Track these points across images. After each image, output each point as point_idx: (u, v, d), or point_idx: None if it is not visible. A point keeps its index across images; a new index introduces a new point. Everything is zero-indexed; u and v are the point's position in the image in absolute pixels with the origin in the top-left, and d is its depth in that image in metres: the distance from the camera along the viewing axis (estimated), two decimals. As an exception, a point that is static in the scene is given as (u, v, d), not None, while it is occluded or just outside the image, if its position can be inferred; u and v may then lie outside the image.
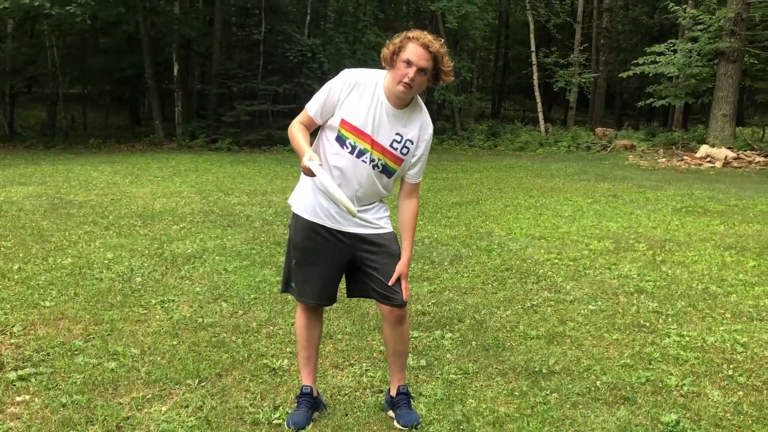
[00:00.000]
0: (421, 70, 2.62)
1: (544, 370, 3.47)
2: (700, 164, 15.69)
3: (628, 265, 5.72)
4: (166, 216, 7.69)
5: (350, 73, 2.74)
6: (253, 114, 20.30)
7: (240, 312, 4.35)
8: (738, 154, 16.22)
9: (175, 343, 3.77)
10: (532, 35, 23.22)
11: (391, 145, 2.72)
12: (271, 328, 4.06)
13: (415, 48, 2.61)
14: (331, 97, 2.73)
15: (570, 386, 3.28)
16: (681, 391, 3.27)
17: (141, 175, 11.88)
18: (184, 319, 4.17)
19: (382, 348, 3.75)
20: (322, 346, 3.76)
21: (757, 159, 15.95)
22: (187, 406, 3.01)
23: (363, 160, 2.71)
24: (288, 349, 3.71)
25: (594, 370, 3.50)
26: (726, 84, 17.57)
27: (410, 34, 2.66)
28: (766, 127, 20.40)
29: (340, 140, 2.72)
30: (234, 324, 4.10)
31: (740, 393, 3.26)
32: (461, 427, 2.88)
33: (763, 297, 4.84)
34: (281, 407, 3.01)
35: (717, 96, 17.84)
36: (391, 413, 2.95)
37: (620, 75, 20.67)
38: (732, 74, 17.53)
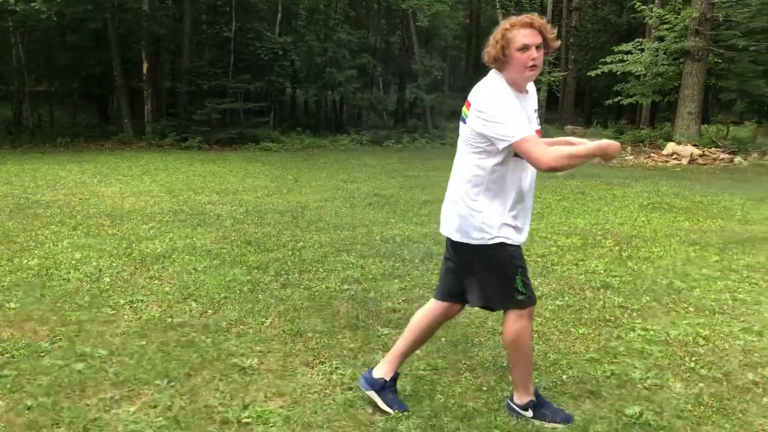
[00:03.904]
0: (538, 47, 2.69)
1: (510, 366, 3.51)
2: (667, 161, 15.95)
3: (595, 261, 5.81)
4: (135, 215, 7.61)
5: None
6: (224, 112, 20.13)
7: (210, 311, 4.33)
8: (703, 152, 16.52)
9: (143, 343, 3.75)
10: (502, 34, 23.34)
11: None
12: (241, 327, 4.06)
13: (523, 31, 2.67)
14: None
15: (537, 380, 3.32)
16: (645, 384, 3.34)
17: (110, 174, 11.73)
18: (153, 319, 4.15)
19: (352, 346, 3.78)
20: (292, 344, 3.78)
21: (722, 156, 16.27)
22: (155, 407, 3.00)
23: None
24: (258, 348, 3.72)
25: (560, 365, 3.56)
26: (691, 82, 17.87)
27: (506, 25, 2.72)
28: (730, 125, 20.80)
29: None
30: (203, 323, 4.09)
31: (701, 385, 3.34)
32: (431, 422, 2.91)
33: (725, 291, 4.95)
34: (251, 406, 3.02)
35: (683, 94, 18.13)
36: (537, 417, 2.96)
37: (589, 73, 20.90)
38: (697, 73, 17.82)
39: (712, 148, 17.04)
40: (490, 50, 2.73)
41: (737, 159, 16.09)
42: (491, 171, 2.76)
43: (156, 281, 5.00)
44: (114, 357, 3.54)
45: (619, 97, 20.17)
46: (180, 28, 21.38)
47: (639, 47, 19.03)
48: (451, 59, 31.51)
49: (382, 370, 3.06)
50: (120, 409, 2.97)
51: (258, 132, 19.83)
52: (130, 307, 4.38)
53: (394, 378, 3.06)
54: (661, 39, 18.76)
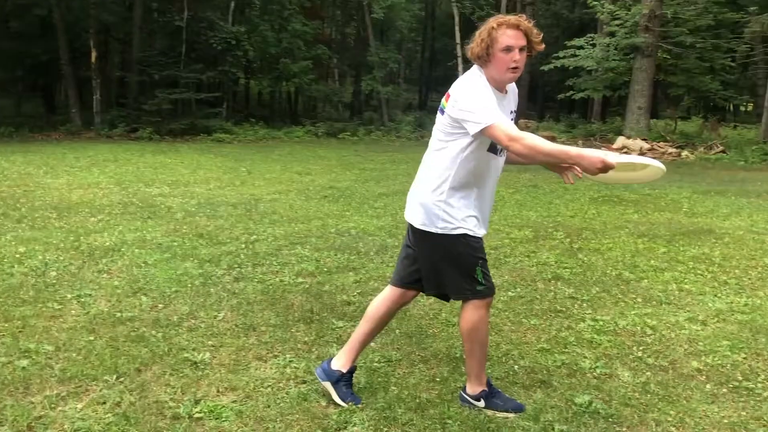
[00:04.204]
0: (521, 49, 2.70)
1: (464, 356, 3.55)
2: (617, 155, 16.30)
3: (546, 252, 5.90)
4: (83, 208, 7.42)
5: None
6: (175, 102, 19.80)
7: (160, 306, 4.25)
8: (652, 146, 16.94)
9: (91, 338, 3.66)
10: (457, 27, 23.52)
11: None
12: (193, 321, 3.99)
13: (509, 32, 2.68)
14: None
15: (489, 371, 3.35)
16: (594, 373, 3.41)
17: (56, 165, 11.41)
18: (101, 313, 4.05)
19: (306, 339, 3.76)
20: (245, 338, 3.74)
21: (670, 150, 16.71)
22: (104, 403, 2.93)
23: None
24: (209, 342, 3.66)
25: (512, 355, 3.60)
26: (641, 78, 18.29)
27: (492, 24, 2.71)
28: (678, 119, 21.38)
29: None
30: (154, 318, 4.01)
31: (648, 373, 3.43)
32: (384, 414, 2.91)
33: (672, 282, 5.09)
34: (202, 401, 2.97)
35: (633, 89, 18.55)
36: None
37: (542, 68, 21.19)
38: (646, 68, 18.25)
39: (661, 143, 17.49)
40: (474, 47, 2.75)
41: (684, 153, 16.55)
42: (459, 163, 2.79)
43: (105, 275, 4.88)
44: (60, 353, 3.45)
45: (572, 92, 20.52)
46: (130, 16, 20.91)
47: (591, 42, 19.39)
48: (407, 52, 31.58)
49: (340, 362, 3.06)
50: (66, 406, 2.89)
51: (210, 123, 19.56)
52: (78, 301, 4.27)
53: (351, 371, 3.06)
54: (612, 34, 19.14)
